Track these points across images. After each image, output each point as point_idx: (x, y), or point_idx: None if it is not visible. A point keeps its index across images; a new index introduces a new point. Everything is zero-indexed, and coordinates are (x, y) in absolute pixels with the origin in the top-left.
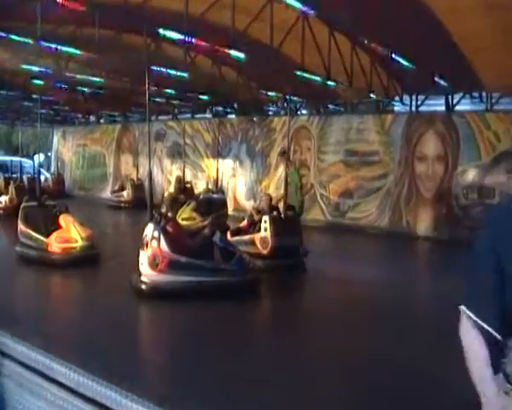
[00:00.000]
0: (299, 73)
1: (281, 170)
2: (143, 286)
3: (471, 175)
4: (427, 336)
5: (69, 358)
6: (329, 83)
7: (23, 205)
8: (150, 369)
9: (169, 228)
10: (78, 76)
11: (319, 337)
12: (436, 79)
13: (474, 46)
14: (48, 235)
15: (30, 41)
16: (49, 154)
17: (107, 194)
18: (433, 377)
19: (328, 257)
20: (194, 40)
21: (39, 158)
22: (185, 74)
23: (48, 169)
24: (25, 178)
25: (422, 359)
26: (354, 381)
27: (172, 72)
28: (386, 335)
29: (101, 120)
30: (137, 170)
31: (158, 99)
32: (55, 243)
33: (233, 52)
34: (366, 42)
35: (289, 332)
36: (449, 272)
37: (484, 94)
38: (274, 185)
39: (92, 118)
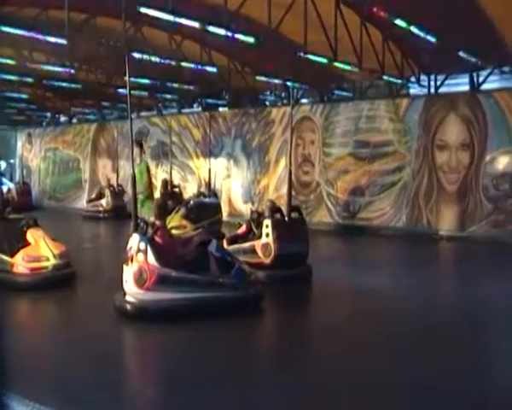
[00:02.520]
0: (301, 54)
1: (282, 167)
2: (129, 307)
3: (502, 163)
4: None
5: (46, 403)
6: (336, 64)
7: None
8: (142, 406)
9: (157, 238)
10: (45, 67)
11: (333, 368)
12: (460, 53)
13: (503, 12)
14: (13, 254)
15: None
16: (12, 161)
17: (82, 203)
18: None
19: (339, 265)
20: (181, 20)
21: (0, 166)
22: (172, 62)
23: (11, 179)
24: None
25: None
26: None
27: (156, 59)
28: (416, 364)
29: (74, 120)
30: (117, 175)
31: (140, 92)
32: (22, 263)
33: (242, 37)
34: (377, 11)
35: (298, 360)
36: (485, 277)
37: None
38: (274, 186)
39: (63, 117)
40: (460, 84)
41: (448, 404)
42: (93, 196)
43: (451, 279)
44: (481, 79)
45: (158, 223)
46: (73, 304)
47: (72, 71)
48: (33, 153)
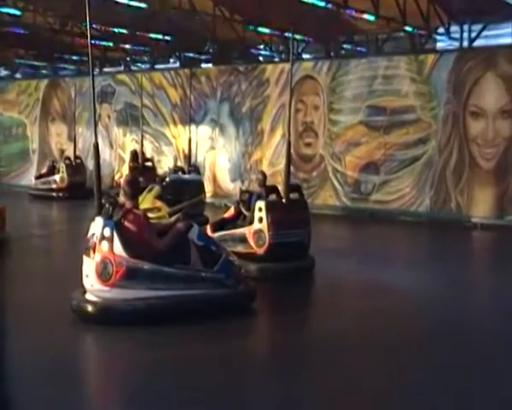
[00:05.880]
0: None
1: (278, 138)
2: (90, 307)
3: None
4: None
5: None
6: (346, 11)
7: None
8: None
9: (127, 223)
10: None
11: (336, 381)
12: None
13: None
14: None
15: None
16: None
17: (30, 179)
18: None
19: (347, 257)
20: None
21: None
22: (142, 5)
23: None
24: None
25: None
26: None
27: (124, 1)
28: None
29: (18, 74)
30: (75, 144)
31: (103, 42)
32: None
33: None
34: None
35: (296, 371)
36: None
37: None
38: (268, 160)
39: (3, 71)
40: (501, 35)
41: None
42: (44, 170)
43: (486, 276)
44: None
45: (128, 204)
46: (19, 306)
47: (16, 12)
48: None
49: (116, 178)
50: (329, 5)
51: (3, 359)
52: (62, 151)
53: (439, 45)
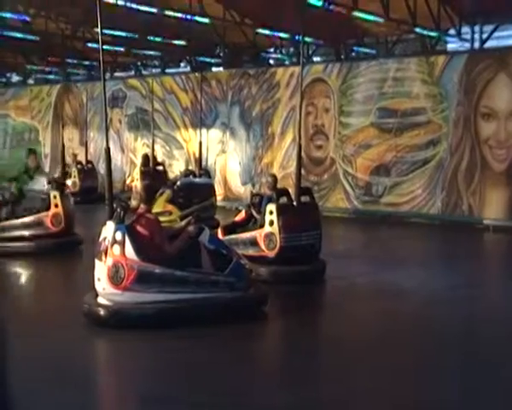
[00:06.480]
0: (313, 0)
1: (289, 141)
2: (102, 311)
3: None
4: None
5: None
6: (357, 14)
7: None
8: None
9: (140, 227)
10: None
11: (350, 391)
12: None
13: None
14: None
15: None
16: None
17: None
18: None
19: (358, 260)
20: None
21: None
22: (154, 10)
23: None
24: None
25: None
26: None
27: (135, 6)
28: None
29: (30, 80)
30: (86, 149)
31: (114, 48)
32: None
33: None
34: None
35: (308, 379)
36: None
37: None
38: (279, 163)
39: (15, 77)
40: None
41: None
42: (56, 174)
43: (500, 281)
44: None
45: (142, 208)
46: (29, 308)
47: (27, 18)
48: None
49: (127, 182)
50: (339, 8)
51: (6, 362)
52: (75, 156)
53: (450, 47)
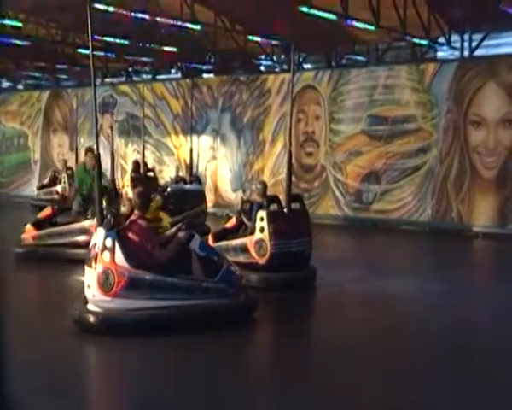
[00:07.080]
0: (304, 8)
1: (279, 148)
2: (91, 318)
3: None
4: None
5: None
6: (347, 22)
7: None
8: None
9: (131, 234)
10: None
11: (341, 399)
12: (502, 5)
13: None
14: None
15: None
16: None
17: (32, 190)
18: None
19: (349, 267)
20: None
21: None
22: (146, 16)
23: None
24: None
25: None
26: None
27: (126, 12)
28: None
29: (20, 86)
30: (77, 154)
31: (105, 53)
32: None
33: None
34: None
35: (298, 387)
36: None
37: None
38: (270, 170)
39: (5, 82)
40: (502, 45)
41: None
42: (46, 180)
43: (489, 287)
44: None
45: (134, 215)
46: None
47: (18, 24)
48: None
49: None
50: (330, 16)
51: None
52: (65, 161)
53: (440, 55)
